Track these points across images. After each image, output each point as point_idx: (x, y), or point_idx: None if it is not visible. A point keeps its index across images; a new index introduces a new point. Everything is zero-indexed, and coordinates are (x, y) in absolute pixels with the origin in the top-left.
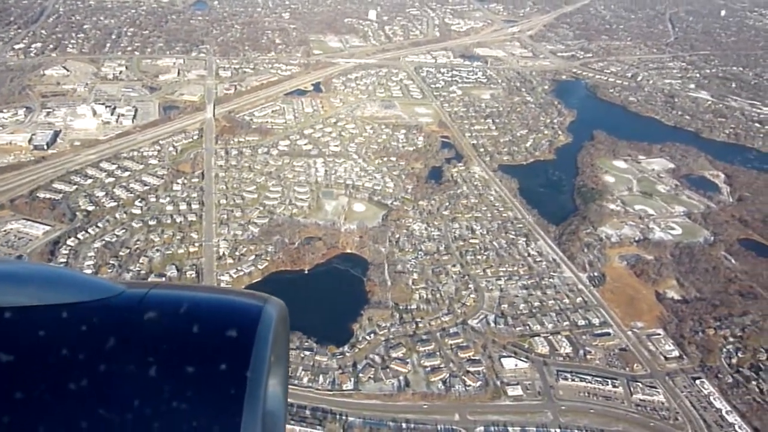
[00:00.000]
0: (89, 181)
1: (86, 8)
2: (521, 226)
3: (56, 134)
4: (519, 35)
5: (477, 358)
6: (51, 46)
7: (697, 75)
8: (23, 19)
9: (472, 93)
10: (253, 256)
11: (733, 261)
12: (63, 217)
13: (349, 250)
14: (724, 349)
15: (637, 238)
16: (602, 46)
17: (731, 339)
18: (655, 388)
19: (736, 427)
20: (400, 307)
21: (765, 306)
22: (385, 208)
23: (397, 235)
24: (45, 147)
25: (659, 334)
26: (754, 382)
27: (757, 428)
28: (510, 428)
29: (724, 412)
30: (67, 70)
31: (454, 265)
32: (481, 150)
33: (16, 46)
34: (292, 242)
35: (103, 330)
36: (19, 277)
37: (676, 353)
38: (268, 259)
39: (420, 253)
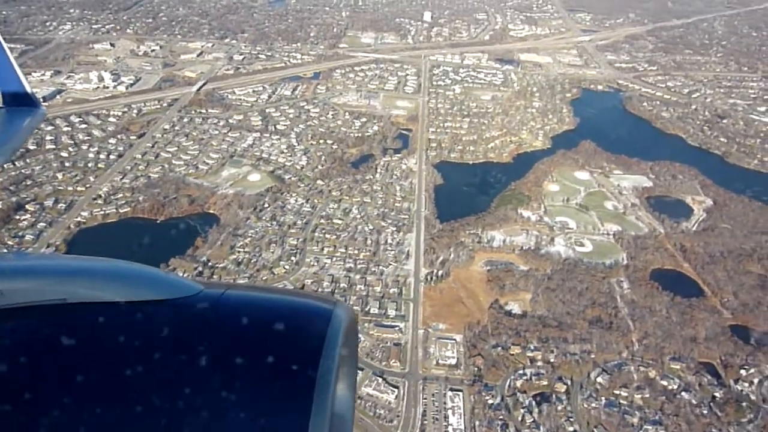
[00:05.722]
0: (50, 128)
1: (177, 1)
2: (405, 217)
3: (57, 92)
4: (585, 44)
5: None
6: (118, 28)
7: None
8: (117, 6)
9: (473, 93)
10: (123, 202)
11: (625, 288)
12: None
13: (211, 210)
14: (520, 371)
15: (525, 247)
16: (676, 61)
17: (540, 363)
18: (396, 387)
19: None
20: (209, 264)
21: (615, 339)
22: (279, 181)
23: (266, 205)
24: (41, 100)
25: (453, 340)
26: (522, 410)
27: None
28: None
29: (452, 429)
30: (112, 46)
31: (295, 239)
32: (434, 145)
33: (93, 26)
34: (166, 196)
35: (183, 327)
36: (108, 274)
37: (452, 361)
38: (132, 205)
39: (273, 222)
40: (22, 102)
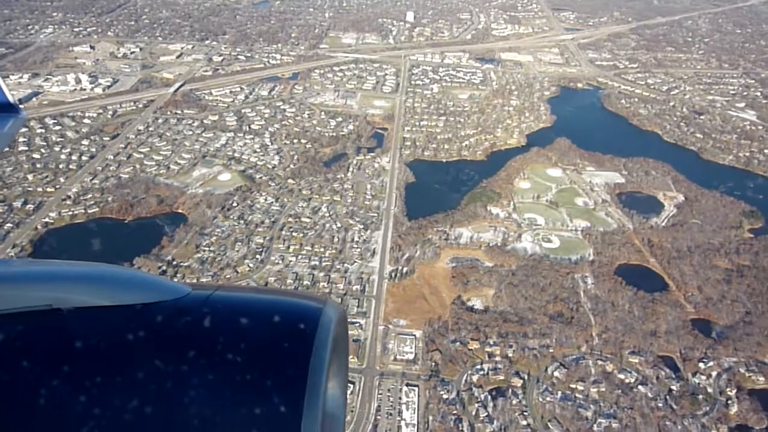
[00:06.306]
0: (24, 129)
1: (161, 3)
2: (374, 215)
3: (34, 94)
4: (567, 42)
5: None
6: (100, 30)
7: (758, 94)
8: (100, 10)
9: (452, 92)
10: (92, 202)
11: (589, 283)
12: None
13: (180, 210)
14: (478, 366)
15: (491, 244)
16: (657, 58)
17: (498, 358)
18: (352, 383)
19: None
20: (174, 263)
21: (575, 334)
22: (249, 180)
23: (235, 204)
24: (19, 104)
25: (412, 336)
26: (477, 405)
27: None
28: None
29: (405, 423)
30: (92, 48)
31: (262, 237)
32: (408, 144)
33: (75, 29)
34: (135, 196)
35: (171, 329)
36: (94, 278)
37: (410, 356)
38: (101, 206)
39: (241, 221)
40: (2, 109)
